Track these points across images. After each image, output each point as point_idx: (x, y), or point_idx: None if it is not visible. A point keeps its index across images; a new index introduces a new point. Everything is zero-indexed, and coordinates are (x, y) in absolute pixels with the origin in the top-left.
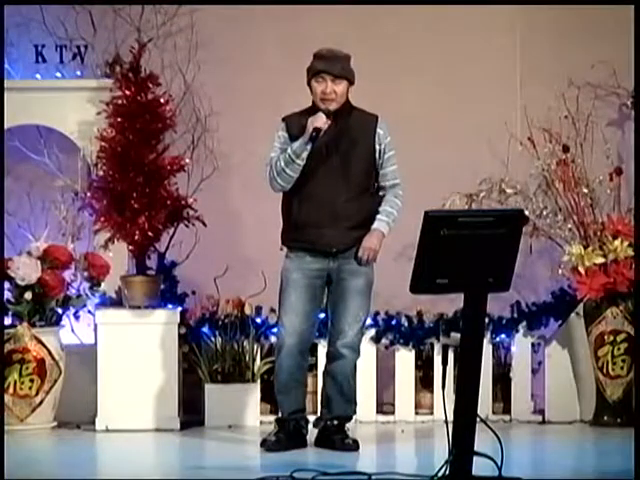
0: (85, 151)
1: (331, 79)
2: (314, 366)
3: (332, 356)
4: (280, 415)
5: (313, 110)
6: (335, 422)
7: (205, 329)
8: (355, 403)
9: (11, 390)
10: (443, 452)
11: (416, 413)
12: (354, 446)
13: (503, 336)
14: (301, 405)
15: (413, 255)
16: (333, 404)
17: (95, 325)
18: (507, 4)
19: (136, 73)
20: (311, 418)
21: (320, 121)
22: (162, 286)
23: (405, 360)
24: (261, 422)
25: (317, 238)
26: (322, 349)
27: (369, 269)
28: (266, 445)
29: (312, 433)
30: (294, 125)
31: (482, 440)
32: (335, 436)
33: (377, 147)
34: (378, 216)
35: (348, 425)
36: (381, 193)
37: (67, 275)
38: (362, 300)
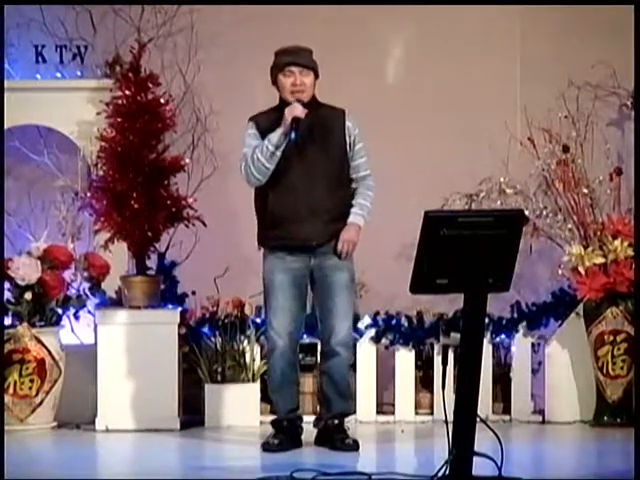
0: (85, 151)
1: (299, 71)
2: (314, 366)
3: (327, 355)
4: (276, 415)
5: (281, 108)
6: (335, 421)
7: (205, 329)
8: (353, 399)
9: (11, 390)
10: (443, 452)
11: (416, 413)
12: (354, 446)
13: (503, 336)
14: (296, 403)
15: (413, 255)
16: (331, 403)
17: (95, 325)
18: (507, 4)
19: (136, 73)
20: (311, 418)
21: (298, 110)
22: (162, 286)
23: (405, 360)
24: (261, 422)
25: (295, 232)
26: None
27: (350, 263)
28: (268, 449)
29: (312, 433)
30: (263, 122)
31: (482, 440)
32: (335, 436)
33: (347, 139)
34: (353, 209)
35: (348, 425)
36: (353, 185)
37: (67, 275)
38: (349, 295)
